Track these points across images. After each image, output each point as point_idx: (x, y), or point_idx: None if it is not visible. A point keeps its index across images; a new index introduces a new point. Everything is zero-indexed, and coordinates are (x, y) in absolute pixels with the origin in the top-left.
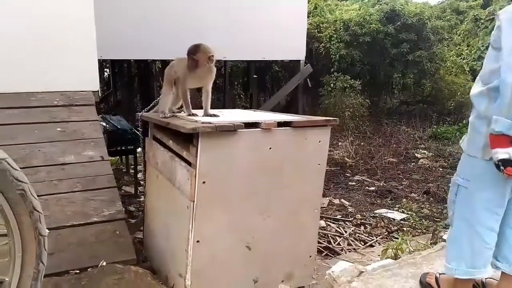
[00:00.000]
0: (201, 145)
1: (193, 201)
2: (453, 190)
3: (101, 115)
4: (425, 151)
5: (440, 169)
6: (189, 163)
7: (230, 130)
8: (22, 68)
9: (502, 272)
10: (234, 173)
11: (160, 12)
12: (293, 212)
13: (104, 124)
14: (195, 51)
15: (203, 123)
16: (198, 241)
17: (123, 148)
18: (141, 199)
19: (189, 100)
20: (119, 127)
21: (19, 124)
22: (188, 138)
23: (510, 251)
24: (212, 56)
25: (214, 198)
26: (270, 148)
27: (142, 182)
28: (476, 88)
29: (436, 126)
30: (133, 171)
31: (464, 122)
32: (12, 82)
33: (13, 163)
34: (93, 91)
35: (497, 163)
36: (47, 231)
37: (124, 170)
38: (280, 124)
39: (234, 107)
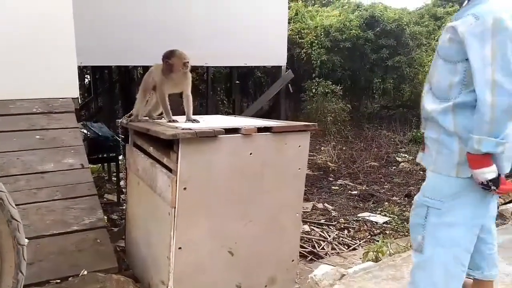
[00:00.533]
0: (181, 151)
1: (174, 208)
2: (421, 213)
3: (82, 122)
4: (406, 155)
5: (421, 172)
6: (169, 170)
7: (210, 136)
8: (1, 75)
9: (475, 279)
10: (215, 178)
11: (141, 18)
12: (275, 217)
13: (85, 131)
14: (170, 56)
15: (183, 129)
16: (180, 248)
17: (105, 155)
18: (124, 207)
19: (169, 106)
20: (100, 134)
21: None
22: (169, 145)
23: (483, 260)
24: (187, 62)
25: (195, 204)
26: (250, 154)
27: (124, 190)
28: (435, 104)
29: (416, 130)
30: (115, 179)
31: None
32: None
33: None
34: (72, 98)
35: (485, 183)
36: (26, 240)
37: (106, 178)
38: (260, 129)
39: (217, 113)
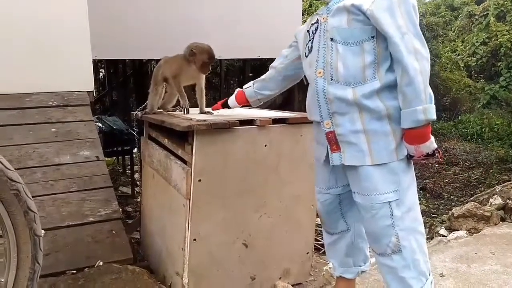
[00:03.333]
0: (196, 143)
1: (189, 199)
2: (385, 213)
3: (96, 116)
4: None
5: (436, 165)
6: (184, 162)
7: (225, 127)
8: (17, 69)
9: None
10: (229, 170)
11: (155, 12)
12: (290, 209)
13: (100, 125)
14: (198, 50)
15: (198, 120)
16: (194, 240)
17: (119, 148)
18: (138, 200)
19: (185, 94)
20: (115, 127)
21: (14, 125)
22: (183, 136)
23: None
24: (211, 62)
25: (210, 196)
26: (265, 145)
27: (138, 183)
28: (349, 91)
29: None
30: (129, 172)
31: (459, 118)
32: (7, 83)
33: (7, 163)
34: (87, 91)
35: (431, 152)
36: (42, 231)
37: (120, 170)
38: (276, 121)
39: None
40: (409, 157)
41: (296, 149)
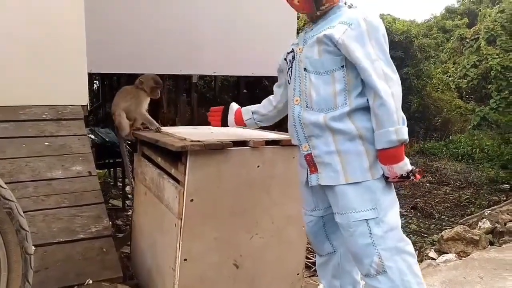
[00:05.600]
0: (189, 163)
1: (181, 219)
2: (363, 230)
3: (89, 128)
4: (413, 167)
5: (428, 184)
6: (177, 181)
7: (218, 148)
8: (12, 82)
9: None
10: (222, 191)
11: (151, 28)
12: (281, 230)
13: (93, 136)
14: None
15: (191, 141)
16: (185, 259)
17: (111, 161)
18: (129, 213)
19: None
20: (107, 139)
21: (8, 138)
22: (177, 156)
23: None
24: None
25: (202, 216)
26: (258, 166)
27: (130, 196)
28: (321, 116)
29: (423, 142)
30: (121, 185)
31: (450, 138)
32: (2, 95)
33: (1, 181)
34: (82, 105)
35: (405, 174)
36: (33, 248)
37: (112, 183)
38: (269, 142)
39: None
40: (385, 178)
41: (288, 171)
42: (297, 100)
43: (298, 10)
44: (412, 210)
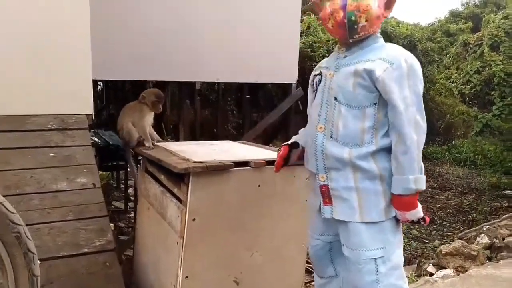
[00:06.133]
0: (192, 184)
1: (183, 238)
2: (371, 269)
3: (93, 130)
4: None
5: (430, 189)
6: (179, 200)
7: (220, 169)
8: (18, 91)
9: None
10: (223, 210)
11: (155, 35)
12: (281, 247)
13: (96, 139)
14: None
15: (194, 162)
16: (186, 277)
17: (114, 163)
18: (131, 215)
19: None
20: (111, 142)
21: (13, 149)
22: (180, 175)
23: None
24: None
25: (203, 235)
26: (259, 186)
27: (132, 198)
28: (345, 151)
29: (425, 146)
30: (123, 187)
31: (453, 142)
32: (7, 104)
33: (10, 206)
34: (87, 115)
35: (416, 220)
36: (39, 270)
37: (114, 185)
38: (269, 162)
39: (227, 123)
40: (396, 218)
41: (288, 190)
42: (321, 128)
43: (331, 34)
44: None
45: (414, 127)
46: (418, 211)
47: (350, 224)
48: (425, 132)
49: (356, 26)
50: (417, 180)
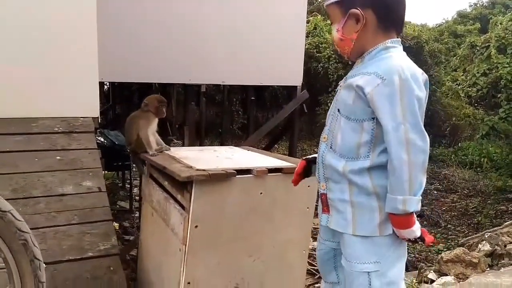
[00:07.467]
0: (194, 192)
1: (185, 245)
2: (364, 281)
3: (99, 130)
4: (421, 234)
5: (435, 191)
6: (182, 207)
7: (223, 177)
8: (24, 93)
9: None
10: (225, 217)
11: (161, 38)
12: (282, 254)
13: (102, 139)
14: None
15: (197, 170)
16: (189, 283)
17: (120, 163)
18: (136, 215)
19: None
20: (116, 142)
21: (20, 152)
22: (183, 183)
23: None
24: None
25: (206, 241)
26: (261, 193)
27: (137, 198)
28: (341, 163)
29: (431, 148)
30: (128, 186)
31: (459, 145)
32: (14, 107)
33: (17, 214)
34: (93, 117)
35: (413, 239)
36: (45, 277)
37: (120, 185)
38: (271, 170)
39: (232, 123)
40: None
41: (290, 197)
42: (324, 138)
43: (338, 47)
44: (418, 218)
45: (405, 147)
46: (413, 231)
47: (345, 235)
48: (425, 151)
49: (340, 53)
50: (406, 201)
